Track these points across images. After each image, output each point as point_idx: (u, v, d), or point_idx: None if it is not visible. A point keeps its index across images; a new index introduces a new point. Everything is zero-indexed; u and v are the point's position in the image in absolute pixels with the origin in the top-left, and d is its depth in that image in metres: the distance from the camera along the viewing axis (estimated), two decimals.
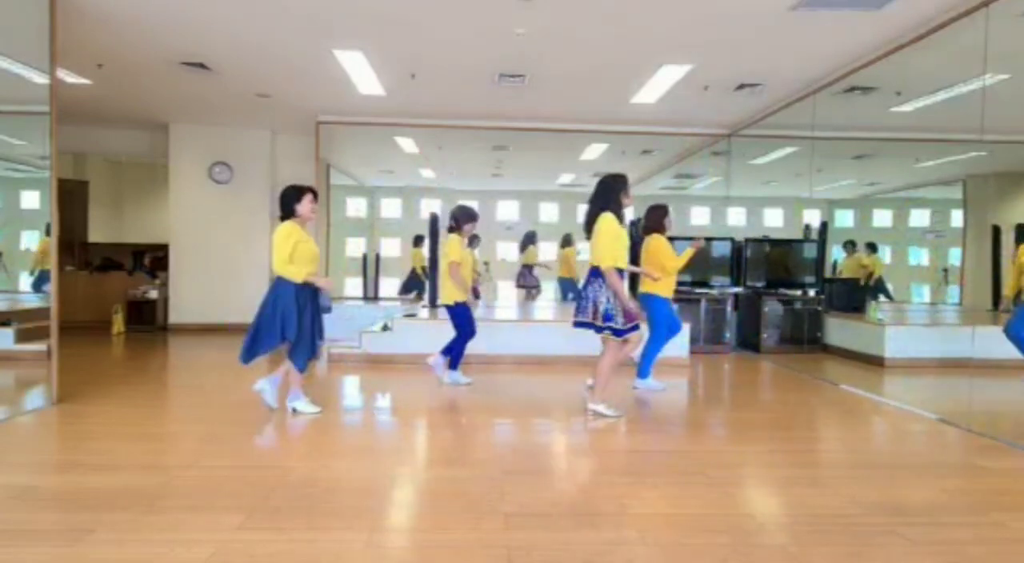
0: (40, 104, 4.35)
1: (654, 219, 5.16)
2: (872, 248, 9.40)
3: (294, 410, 4.22)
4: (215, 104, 7.51)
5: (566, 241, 10.20)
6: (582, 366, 6.22)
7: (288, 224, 4.07)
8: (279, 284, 4.06)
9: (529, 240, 10.31)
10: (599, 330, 4.15)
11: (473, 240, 9.58)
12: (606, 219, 4.10)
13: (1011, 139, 7.13)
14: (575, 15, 4.65)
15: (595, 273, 4.15)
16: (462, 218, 5.16)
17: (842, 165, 9.52)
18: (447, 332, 6.52)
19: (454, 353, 5.24)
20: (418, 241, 10.48)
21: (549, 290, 10.82)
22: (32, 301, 7.27)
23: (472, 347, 5.33)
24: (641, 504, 2.83)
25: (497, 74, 6.08)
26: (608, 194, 4.18)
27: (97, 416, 4.19)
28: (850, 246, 9.26)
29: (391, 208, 14.51)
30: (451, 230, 5.15)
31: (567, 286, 10.14)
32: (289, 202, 4.10)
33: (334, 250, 8.62)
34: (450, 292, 5.13)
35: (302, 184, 4.20)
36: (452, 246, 5.09)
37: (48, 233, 7.36)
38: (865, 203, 11.36)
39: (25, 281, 7.61)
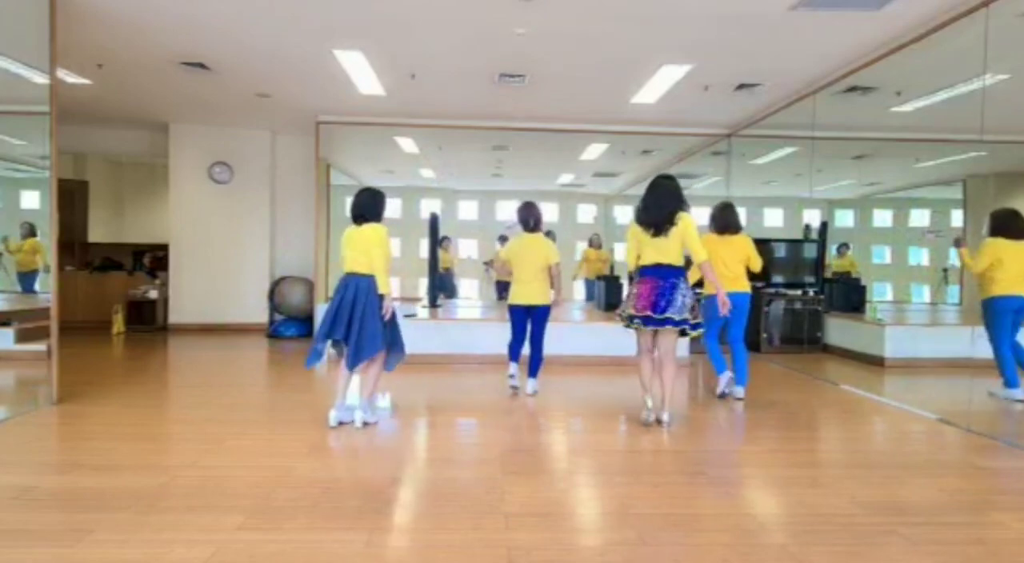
0: (40, 104, 4.35)
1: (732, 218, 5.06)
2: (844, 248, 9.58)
3: (365, 423, 3.98)
4: (215, 104, 7.51)
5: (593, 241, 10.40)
6: (599, 366, 6.25)
7: (384, 227, 3.97)
8: (373, 287, 3.88)
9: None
10: (681, 327, 4.04)
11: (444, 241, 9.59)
12: (689, 218, 4.09)
13: (1011, 139, 7.13)
14: (575, 15, 4.65)
15: (677, 273, 4.09)
16: (534, 218, 5.00)
17: (842, 165, 9.52)
18: (446, 332, 6.54)
19: (535, 360, 5.05)
20: (443, 242, 10.63)
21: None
22: (34, 301, 7.30)
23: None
24: (641, 504, 2.83)
25: (497, 74, 6.08)
26: (680, 194, 4.16)
27: (97, 416, 4.19)
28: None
29: (391, 208, 14.41)
30: (537, 231, 5.03)
31: (590, 286, 10.25)
32: (383, 206, 4.07)
33: (334, 250, 8.61)
34: (545, 292, 4.99)
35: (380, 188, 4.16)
36: (552, 248, 5.00)
37: (26, 234, 7.43)
38: (865, 203, 11.37)
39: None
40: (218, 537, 2.40)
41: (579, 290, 10.91)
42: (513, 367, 5.08)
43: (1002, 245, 4.91)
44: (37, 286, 7.44)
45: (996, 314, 4.93)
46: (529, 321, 5.01)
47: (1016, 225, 4.98)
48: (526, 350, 5.07)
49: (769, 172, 9.90)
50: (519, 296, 4.96)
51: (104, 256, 9.62)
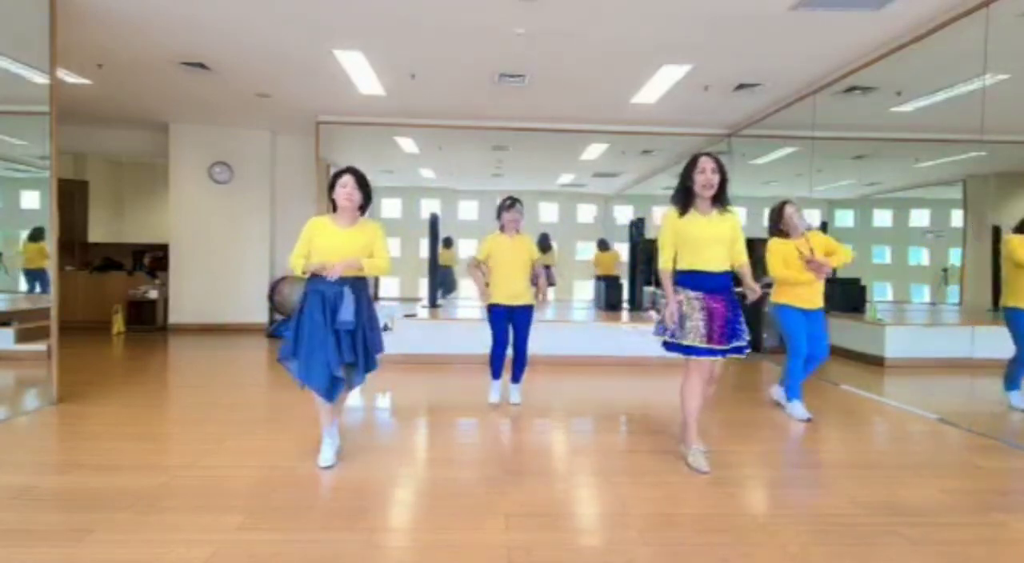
0: (40, 104, 4.35)
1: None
2: None
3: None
4: (215, 104, 7.51)
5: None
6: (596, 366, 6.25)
7: None
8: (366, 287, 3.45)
9: (548, 242, 10.55)
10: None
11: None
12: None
13: (1011, 139, 7.14)
14: (575, 15, 4.65)
15: (733, 278, 3.33)
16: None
17: (842, 165, 9.52)
18: (446, 332, 6.54)
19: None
20: (447, 243, 10.76)
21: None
22: (34, 300, 7.28)
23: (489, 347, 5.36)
24: (641, 504, 2.83)
25: (497, 74, 6.08)
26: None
27: (97, 416, 4.19)
28: None
29: (391, 208, 14.52)
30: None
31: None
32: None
33: None
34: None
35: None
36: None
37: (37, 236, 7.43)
38: (865, 203, 11.37)
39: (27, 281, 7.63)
40: (218, 537, 2.40)
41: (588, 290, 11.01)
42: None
43: None
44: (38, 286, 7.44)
45: None
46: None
47: None
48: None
49: (769, 172, 9.91)
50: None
51: (104, 256, 9.62)
